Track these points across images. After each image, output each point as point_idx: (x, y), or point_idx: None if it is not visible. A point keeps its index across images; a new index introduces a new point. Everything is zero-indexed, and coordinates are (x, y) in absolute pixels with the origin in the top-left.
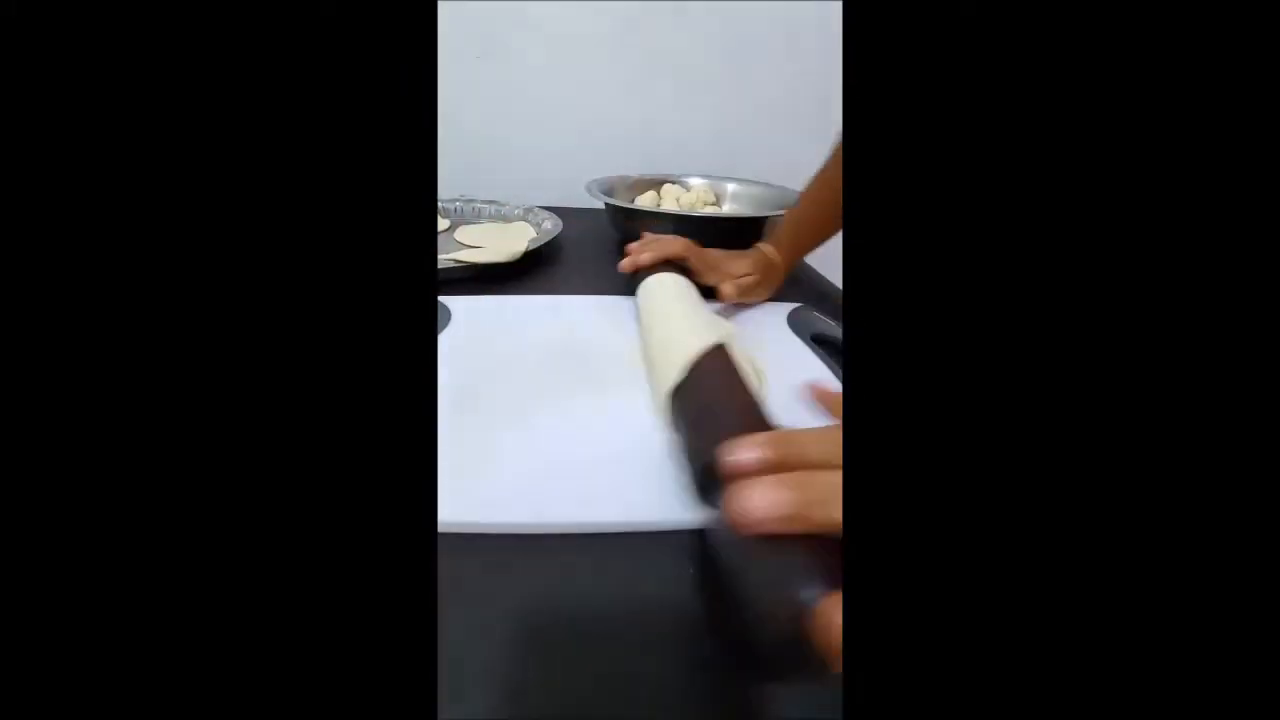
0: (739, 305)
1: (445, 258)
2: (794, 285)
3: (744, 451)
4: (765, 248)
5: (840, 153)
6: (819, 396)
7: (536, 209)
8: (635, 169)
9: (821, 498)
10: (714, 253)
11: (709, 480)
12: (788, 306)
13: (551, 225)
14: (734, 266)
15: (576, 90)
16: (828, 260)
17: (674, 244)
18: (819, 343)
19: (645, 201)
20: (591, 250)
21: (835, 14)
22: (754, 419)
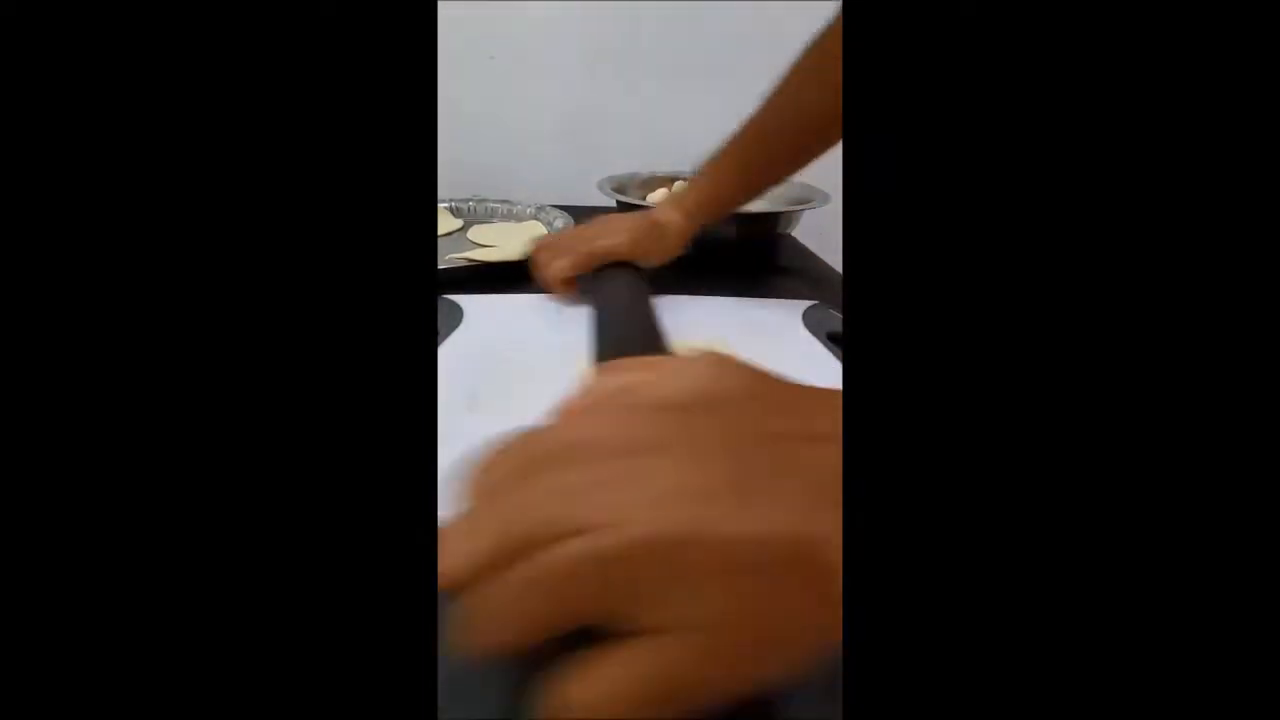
0: (746, 299)
1: (458, 256)
2: (810, 282)
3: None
4: (659, 208)
5: (778, 98)
6: None
7: (548, 208)
8: (647, 167)
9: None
10: (584, 226)
11: None
12: (803, 304)
13: (563, 224)
14: (594, 234)
15: (588, 89)
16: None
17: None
18: (835, 341)
19: (657, 199)
20: None
21: None
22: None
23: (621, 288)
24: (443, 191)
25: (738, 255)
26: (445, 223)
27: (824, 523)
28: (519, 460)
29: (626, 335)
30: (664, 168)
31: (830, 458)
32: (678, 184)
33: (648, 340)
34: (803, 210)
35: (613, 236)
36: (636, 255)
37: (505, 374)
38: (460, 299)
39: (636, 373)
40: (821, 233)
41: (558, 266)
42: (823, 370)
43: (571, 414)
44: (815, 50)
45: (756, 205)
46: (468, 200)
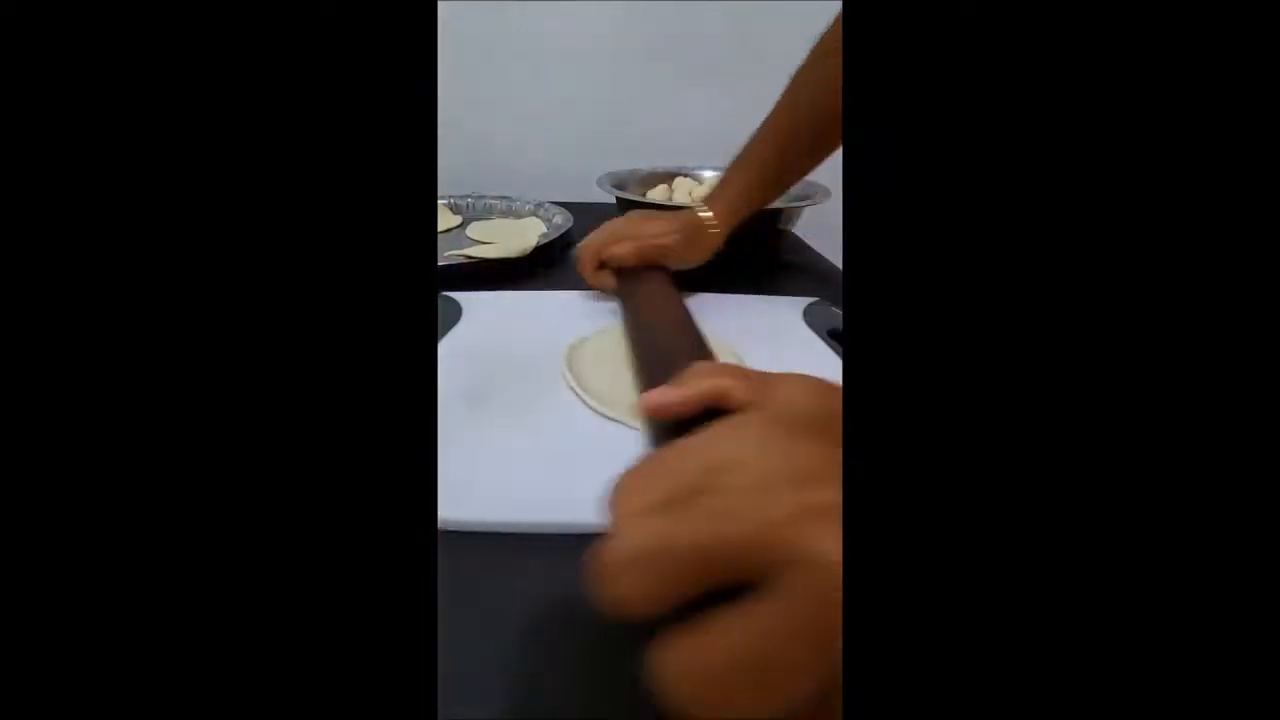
0: (747, 296)
1: (456, 253)
2: (811, 278)
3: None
4: (698, 207)
5: (791, 98)
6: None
7: (547, 204)
8: (646, 163)
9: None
10: (631, 217)
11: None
12: (804, 301)
13: (562, 220)
14: (649, 227)
15: (587, 85)
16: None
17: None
18: (836, 338)
19: (657, 195)
20: None
21: None
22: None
23: (658, 293)
24: (442, 188)
25: (738, 252)
26: (444, 219)
27: None
28: (683, 475)
29: (676, 346)
30: (664, 164)
31: None
32: (678, 179)
33: (695, 351)
34: (803, 206)
35: (665, 234)
36: (683, 253)
37: (504, 371)
38: (459, 296)
39: (747, 381)
40: (823, 229)
41: (617, 252)
42: (824, 368)
43: (715, 430)
44: (825, 45)
45: None
46: (466, 197)
